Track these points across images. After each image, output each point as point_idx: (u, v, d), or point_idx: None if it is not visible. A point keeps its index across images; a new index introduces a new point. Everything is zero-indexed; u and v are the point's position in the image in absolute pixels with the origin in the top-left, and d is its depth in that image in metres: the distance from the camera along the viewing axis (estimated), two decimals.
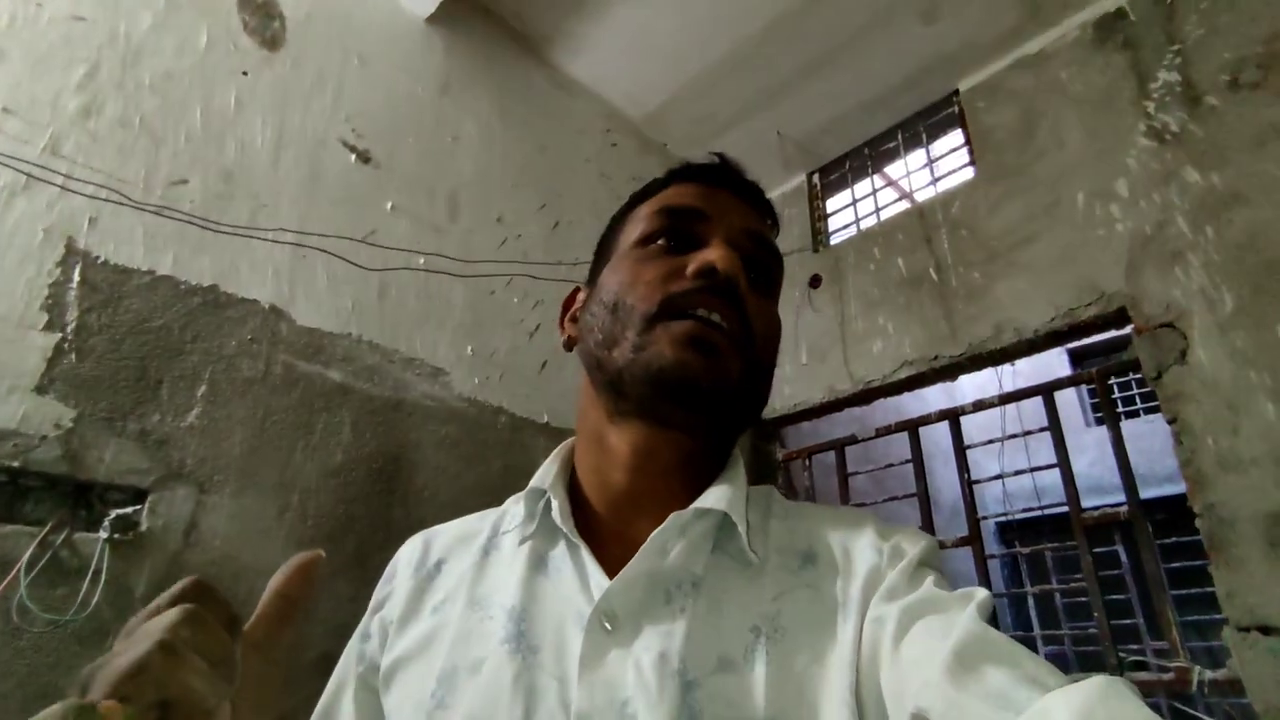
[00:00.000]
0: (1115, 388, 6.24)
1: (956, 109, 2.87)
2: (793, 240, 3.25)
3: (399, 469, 1.82)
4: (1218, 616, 1.79)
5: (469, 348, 2.10)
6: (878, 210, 3.08)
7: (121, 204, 1.53)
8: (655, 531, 0.50)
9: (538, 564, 0.55)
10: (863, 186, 3.22)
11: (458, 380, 2.03)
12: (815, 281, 3.06)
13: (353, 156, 2.00)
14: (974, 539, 2.37)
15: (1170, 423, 1.97)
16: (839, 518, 0.55)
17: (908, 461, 2.58)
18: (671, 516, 0.51)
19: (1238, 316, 1.91)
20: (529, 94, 2.64)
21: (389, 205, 2.04)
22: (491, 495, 1.97)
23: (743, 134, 3.17)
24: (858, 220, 3.14)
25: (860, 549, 0.51)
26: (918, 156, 3.03)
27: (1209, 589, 1.82)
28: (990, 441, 2.49)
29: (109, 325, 1.46)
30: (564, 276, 2.46)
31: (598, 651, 0.47)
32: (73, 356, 1.40)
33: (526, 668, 0.48)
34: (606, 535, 0.55)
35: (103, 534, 1.34)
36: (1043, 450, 3.92)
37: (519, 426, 2.14)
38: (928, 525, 2.47)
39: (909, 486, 2.88)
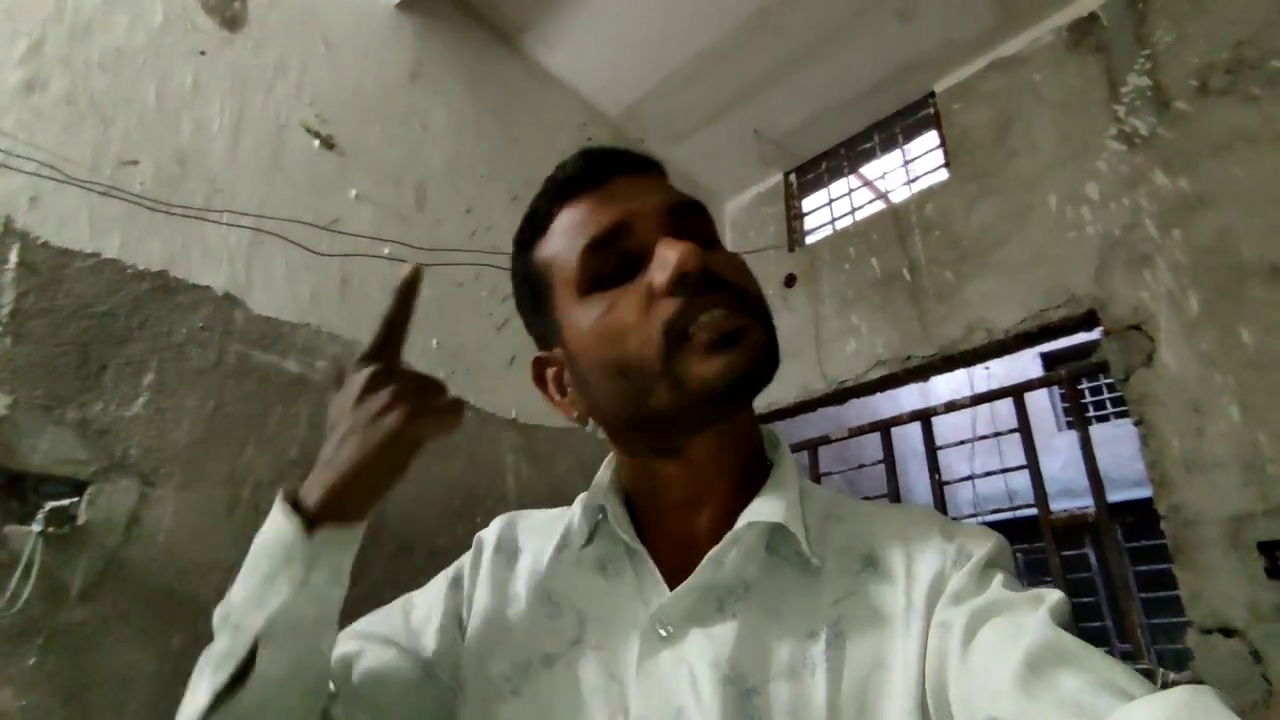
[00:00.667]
0: (1086, 391, 6.33)
1: (932, 110, 2.87)
2: (769, 238, 3.24)
3: None
4: (1184, 620, 1.79)
5: (435, 341, 2.05)
6: (853, 210, 3.08)
7: (66, 183, 1.47)
8: (711, 551, 0.50)
9: (600, 568, 0.56)
10: (839, 186, 3.21)
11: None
12: (790, 281, 3.04)
13: (316, 142, 1.95)
14: None
15: (1137, 424, 1.98)
16: (902, 517, 0.53)
17: (880, 462, 2.57)
18: (726, 537, 0.50)
19: (1204, 319, 1.92)
20: (502, 85, 2.60)
21: (353, 193, 1.99)
22: (457, 492, 1.94)
23: (720, 131, 3.15)
24: (834, 220, 3.13)
25: (924, 551, 0.49)
26: (894, 157, 3.03)
27: (1177, 592, 1.82)
28: (961, 443, 2.49)
29: (49, 309, 1.40)
30: None
31: (653, 657, 0.48)
32: (8, 341, 1.33)
33: (589, 669, 0.50)
34: (665, 539, 0.55)
35: (36, 527, 1.28)
36: (1015, 452, 3.95)
37: (486, 422, 2.09)
38: None
39: (882, 487, 2.88)
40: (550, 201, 0.57)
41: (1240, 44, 2.06)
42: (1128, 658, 2.18)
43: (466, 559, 0.64)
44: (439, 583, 0.63)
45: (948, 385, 5.14)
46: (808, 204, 3.30)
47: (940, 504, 2.40)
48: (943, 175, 2.74)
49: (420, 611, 0.61)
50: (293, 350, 1.73)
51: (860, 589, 0.49)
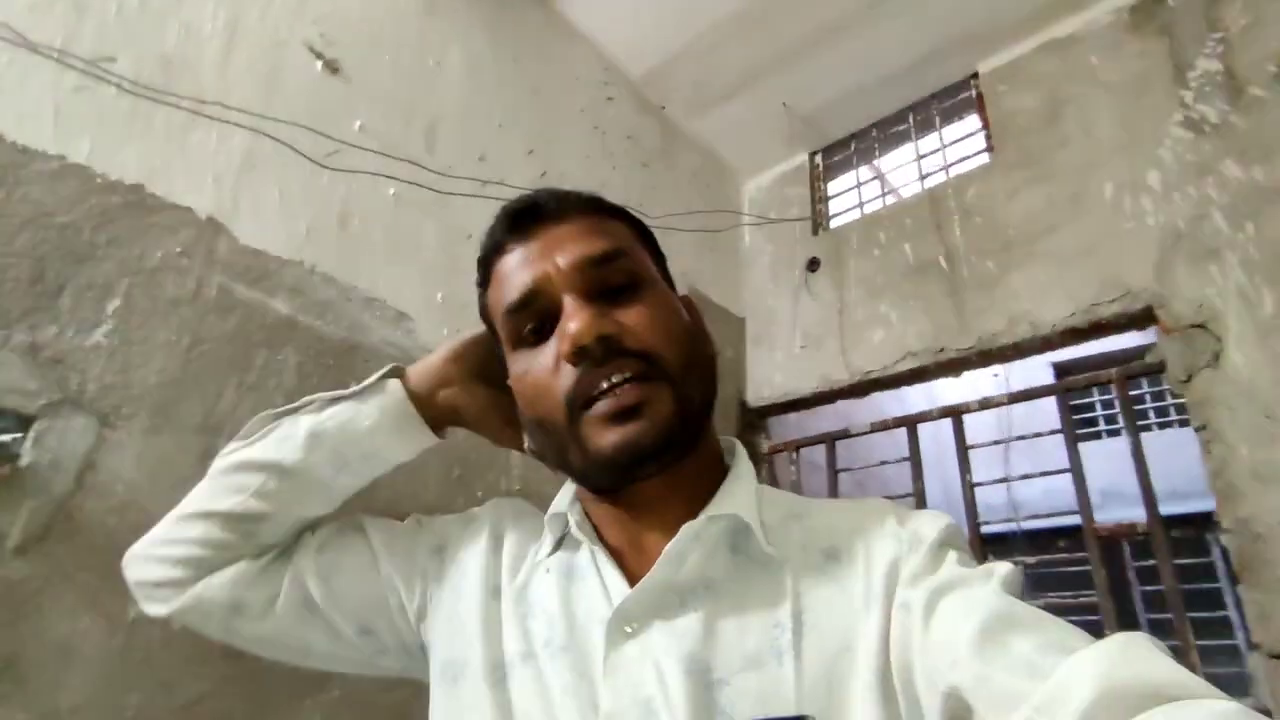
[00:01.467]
0: (1098, 404, 6.10)
1: (974, 92, 2.72)
2: (792, 222, 3.07)
3: None
4: (1228, 642, 1.64)
5: (439, 294, 1.86)
6: (884, 194, 2.92)
7: (28, 68, 1.26)
8: (669, 544, 0.51)
9: (568, 571, 0.57)
10: (867, 170, 3.05)
11: (423, 329, 1.79)
12: (813, 265, 2.88)
13: (319, 64, 1.75)
14: (974, 547, 2.21)
15: (1199, 430, 1.83)
16: (859, 511, 0.55)
17: (905, 459, 2.41)
18: (684, 528, 0.51)
19: (1277, 321, 1.77)
20: (522, 31, 2.41)
21: (357, 124, 1.79)
22: (454, 461, 1.74)
23: (745, 104, 2.97)
24: (861, 204, 2.97)
25: (881, 539, 0.51)
26: (929, 141, 2.88)
27: (1215, 612, 1.67)
28: (997, 442, 2.34)
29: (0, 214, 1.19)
30: None
31: (619, 653, 0.49)
32: None
33: (558, 670, 0.51)
34: (625, 543, 0.56)
35: None
36: (1023, 460, 3.82)
37: None
38: None
39: (892, 488, 2.72)
40: (488, 254, 0.59)
41: None
42: None
43: (456, 519, 0.67)
44: (443, 526, 0.67)
45: (945, 385, 5.00)
46: (833, 187, 3.13)
47: (970, 507, 2.24)
48: (982, 160, 2.59)
49: (423, 543, 0.65)
50: (282, 289, 1.53)
51: (822, 579, 0.50)
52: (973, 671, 0.39)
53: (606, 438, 0.49)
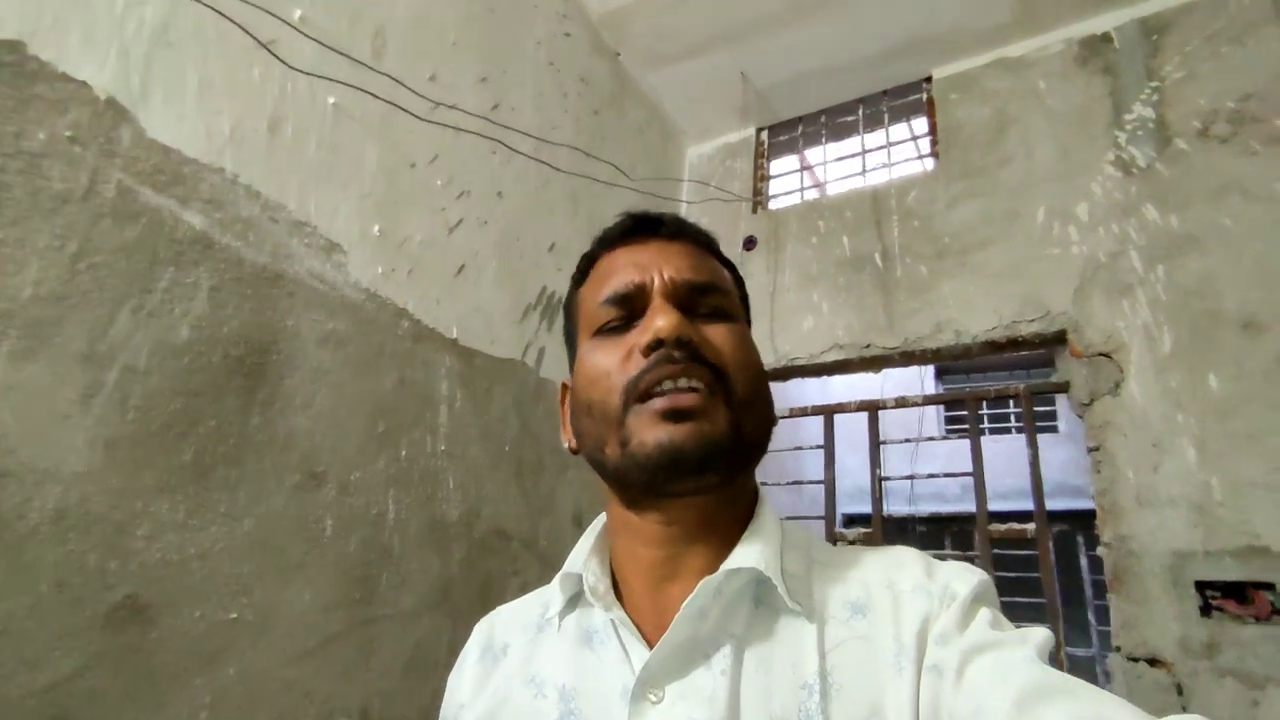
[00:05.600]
0: (986, 416, 6.86)
1: (926, 96, 2.76)
2: (733, 194, 3.02)
3: (267, 362, 1.36)
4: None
5: (376, 227, 1.65)
6: (823, 184, 2.93)
7: None
8: (688, 599, 0.49)
9: (584, 639, 0.55)
10: (813, 155, 3.05)
11: (356, 263, 1.58)
12: (750, 243, 2.86)
13: None
14: (875, 535, 2.32)
15: (1093, 450, 1.99)
16: (885, 560, 0.54)
17: (819, 447, 2.48)
18: (703, 583, 0.49)
19: (1175, 358, 1.95)
20: None
21: (298, 13, 1.52)
22: (379, 414, 1.57)
23: (703, 67, 2.87)
24: (802, 188, 2.97)
25: (910, 593, 0.50)
26: (875, 137, 2.91)
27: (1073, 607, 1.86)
28: (907, 440, 2.45)
29: None
30: (498, 168, 2.05)
31: None
32: None
33: None
34: (645, 605, 0.54)
35: None
36: (901, 459, 4.09)
37: (422, 336, 1.73)
38: (832, 515, 2.39)
39: (791, 473, 2.81)
40: (597, 248, 0.60)
41: (1248, 96, 2.09)
42: None
43: (450, 683, 0.63)
44: (446, 701, 0.62)
45: (844, 382, 5.25)
46: (775, 167, 3.11)
47: (877, 499, 2.34)
48: (923, 164, 2.65)
49: None
50: (197, 198, 1.29)
51: (850, 636, 0.49)
52: None
53: (653, 433, 0.49)
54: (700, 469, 0.49)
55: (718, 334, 0.53)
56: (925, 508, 4.15)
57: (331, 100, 1.58)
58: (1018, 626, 0.48)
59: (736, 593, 0.51)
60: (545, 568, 2.00)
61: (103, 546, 1.09)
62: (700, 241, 0.60)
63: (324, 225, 1.52)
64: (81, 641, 1.06)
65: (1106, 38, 2.40)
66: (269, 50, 1.44)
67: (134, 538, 1.13)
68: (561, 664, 0.54)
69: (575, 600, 0.57)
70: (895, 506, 4.47)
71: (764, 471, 2.50)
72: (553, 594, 0.59)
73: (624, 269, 0.56)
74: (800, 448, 2.66)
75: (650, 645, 0.51)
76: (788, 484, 2.69)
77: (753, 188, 3.02)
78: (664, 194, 2.91)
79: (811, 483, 2.52)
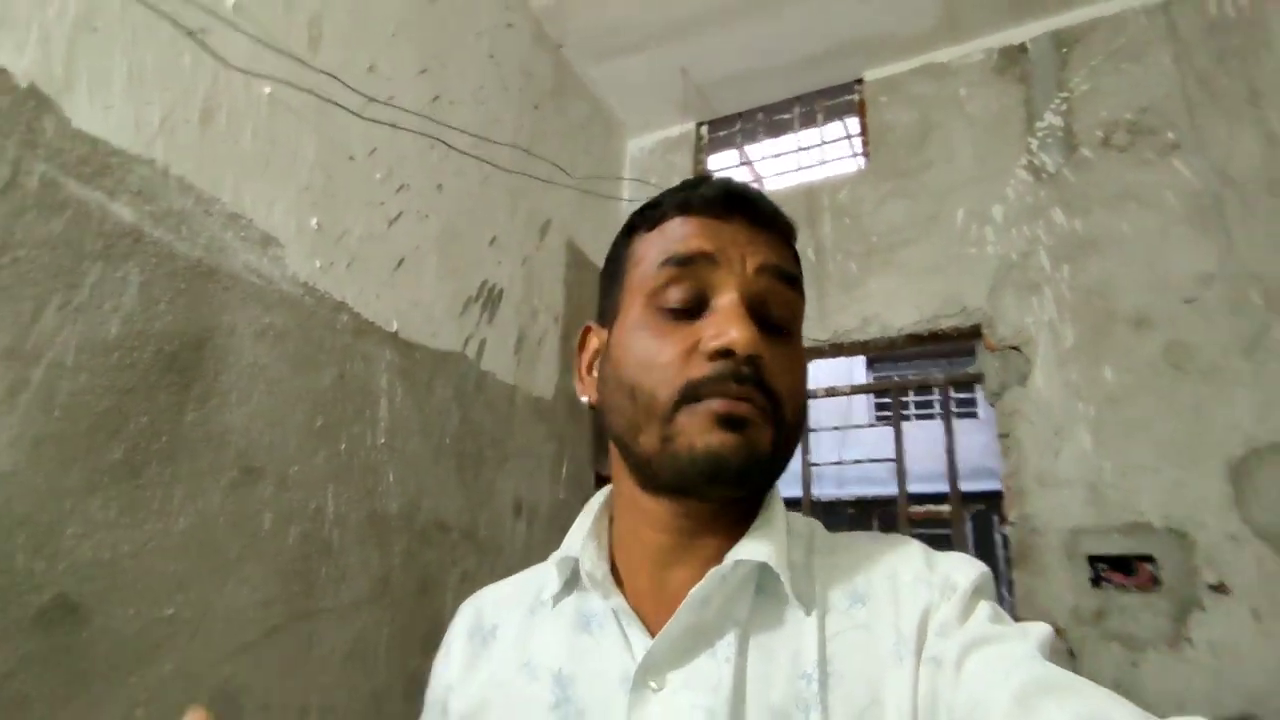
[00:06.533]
0: (912, 404, 7.18)
1: (858, 97, 2.88)
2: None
3: (201, 359, 1.35)
4: None
5: (314, 220, 1.63)
6: (759, 179, 3.02)
7: None
8: (694, 588, 0.49)
9: (581, 624, 0.54)
10: (751, 151, 3.14)
11: (294, 257, 1.57)
12: None
13: None
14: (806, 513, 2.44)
15: (1002, 436, 2.14)
16: (885, 549, 0.54)
17: None
18: (711, 573, 0.49)
19: (1075, 352, 2.11)
20: None
21: (230, 1, 1.49)
22: (318, 409, 1.57)
23: (645, 62, 2.91)
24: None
25: (910, 582, 0.50)
26: (810, 135, 3.01)
27: None
28: (837, 428, 2.56)
29: None
30: (438, 161, 2.05)
31: (645, 711, 0.47)
32: None
33: None
34: (647, 591, 0.53)
35: None
36: (833, 445, 4.25)
37: (362, 331, 1.73)
38: None
39: None
40: (673, 205, 0.55)
41: (1144, 109, 2.26)
42: None
43: (435, 666, 0.62)
44: (434, 683, 0.62)
45: None
46: (713, 162, 3.19)
47: (806, 484, 2.46)
48: (859, 164, 2.77)
49: None
50: (126, 190, 1.26)
51: (850, 626, 0.49)
52: None
53: (704, 439, 0.48)
54: (739, 482, 0.49)
55: (783, 358, 0.52)
56: (855, 490, 4.34)
57: (267, 90, 1.55)
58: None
59: (740, 580, 0.51)
60: (485, 558, 2.03)
61: (29, 547, 1.08)
62: (787, 235, 0.57)
63: (260, 218, 1.51)
64: (9, 644, 1.05)
65: (1023, 49, 2.55)
66: (200, 39, 1.41)
67: (63, 537, 1.11)
68: (556, 649, 0.53)
69: (571, 583, 0.57)
70: (828, 490, 4.65)
71: None
72: (547, 576, 0.58)
73: (699, 236, 0.52)
74: None
75: (651, 632, 0.51)
76: None
77: None
78: (604, 192, 2.94)
79: None
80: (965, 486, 3.96)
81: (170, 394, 1.29)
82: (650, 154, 3.23)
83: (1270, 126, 2.06)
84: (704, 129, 3.19)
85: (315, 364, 1.59)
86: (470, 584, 1.93)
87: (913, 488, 2.60)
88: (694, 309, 0.51)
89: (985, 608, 0.47)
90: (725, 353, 0.48)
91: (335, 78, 1.72)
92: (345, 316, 1.69)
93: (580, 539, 0.55)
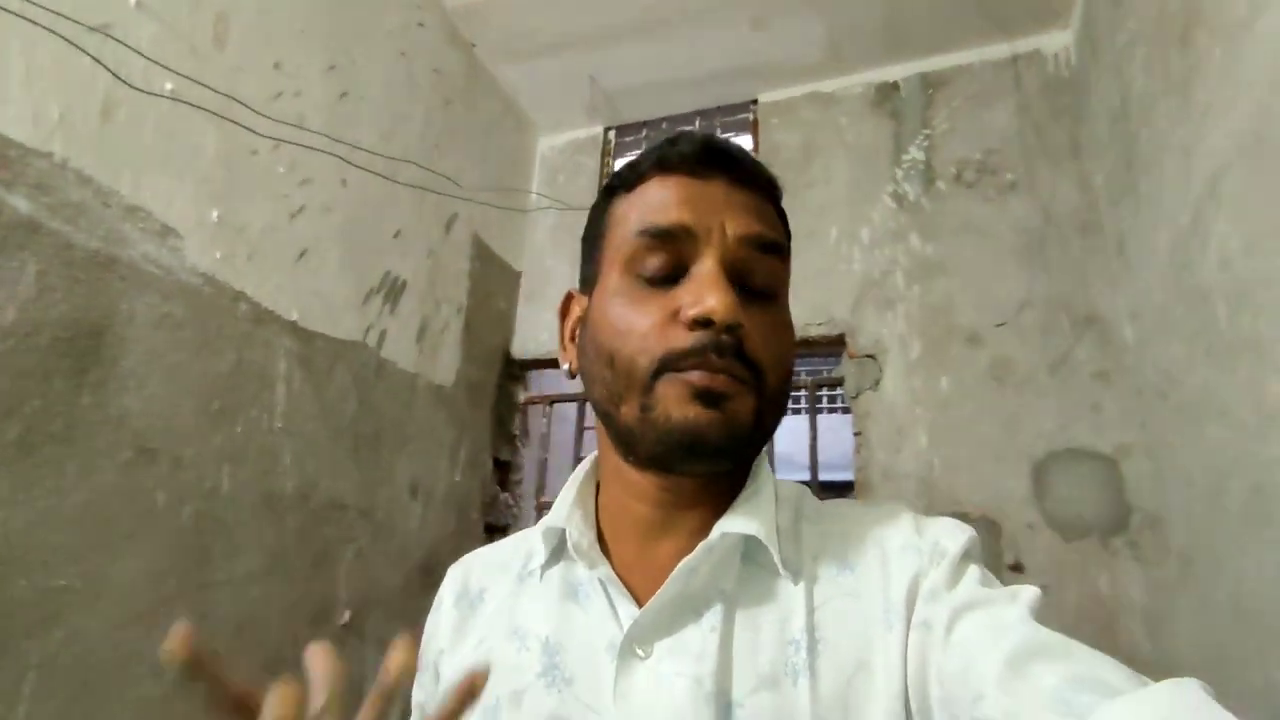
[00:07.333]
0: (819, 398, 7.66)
1: (753, 116, 3.10)
2: (578, 189, 3.23)
3: (99, 345, 1.42)
4: None
5: (215, 212, 1.70)
6: None
7: None
8: (681, 562, 0.49)
9: (568, 593, 0.54)
10: None
11: (193, 248, 1.64)
12: None
13: None
14: None
15: (856, 434, 2.42)
16: (873, 516, 0.54)
17: None
18: (700, 546, 0.49)
19: (919, 363, 2.41)
20: None
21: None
22: (216, 395, 1.66)
23: (556, 66, 3.03)
24: None
25: (899, 549, 0.50)
26: None
27: None
28: None
29: None
30: (343, 157, 2.12)
31: (631, 679, 0.47)
32: None
33: (562, 701, 0.48)
34: (634, 560, 0.54)
35: None
36: None
37: (262, 320, 1.81)
38: None
39: None
40: (650, 165, 0.55)
41: (990, 151, 2.58)
42: None
43: (426, 630, 0.62)
44: (424, 647, 0.62)
45: None
46: (620, 166, 3.35)
47: None
48: None
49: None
50: (23, 183, 1.31)
51: (838, 593, 0.49)
52: (1000, 707, 0.37)
53: (681, 410, 0.47)
54: (717, 455, 0.49)
55: (765, 325, 0.51)
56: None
57: (169, 86, 1.61)
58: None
59: (727, 550, 0.51)
60: (380, 536, 2.15)
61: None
62: (770, 193, 0.56)
63: (160, 210, 1.57)
64: None
65: (896, 86, 2.84)
66: (102, 36, 1.46)
67: None
68: (544, 617, 0.53)
69: (559, 552, 0.57)
70: None
71: (593, 446, 2.77)
72: (535, 545, 0.58)
73: (677, 205, 0.52)
74: None
75: (638, 601, 0.51)
76: None
77: (598, 183, 3.24)
78: (509, 204, 3.06)
79: None
80: (839, 476, 4.36)
81: (66, 378, 1.35)
82: (560, 153, 3.37)
83: (1086, 177, 2.40)
84: (612, 134, 3.35)
85: (213, 351, 1.67)
86: (364, 560, 2.05)
87: (793, 476, 2.85)
88: (673, 275, 0.51)
89: (974, 572, 0.47)
90: (705, 322, 0.48)
91: (239, 73, 1.78)
92: (244, 305, 1.76)
93: (566, 508, 0.56)
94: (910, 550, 0.49)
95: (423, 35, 2.58)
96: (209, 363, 1.66)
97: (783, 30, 2.76)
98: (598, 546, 0.54)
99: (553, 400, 2.98)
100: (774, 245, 0.54)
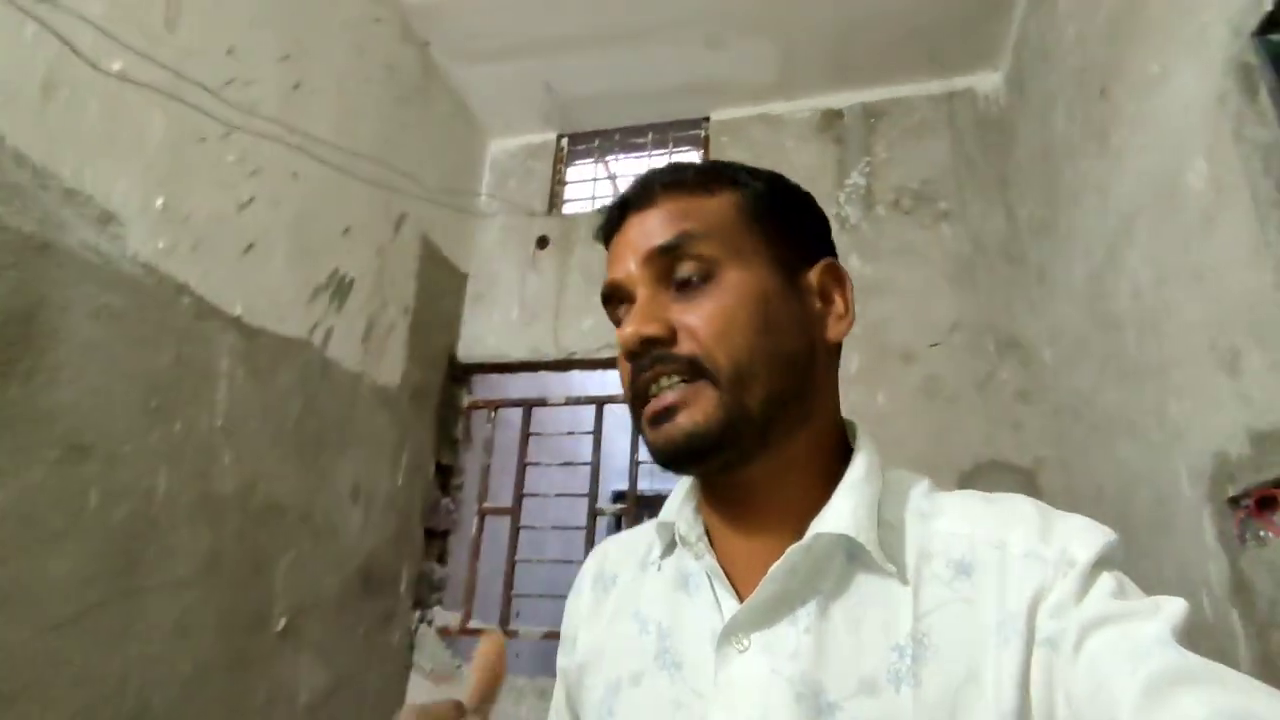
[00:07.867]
0: None
1: (704, 133, 3.18)
2: (529, 194, 3.24)
3: (31, 334, 1.34)
4: None
5: (159, 200, 1.63)
6: (616, 194, 3.24)
7: None
8: (775, 564, 0.48)
9: (680, 582, 0.57)
10: (606, 168, 3.35)
11: (135, 237, 1.57)
12: (543, 243, 3.09)
13: None
14: (630, 510, 2.70)
15: None
16: (997, 514, 0.50)
17: (589, 432, 2.80)
18: (791, 549, 0.48)
19: (859, 379, 2.52)
20: None
21: None
22: (155, 392, 1.59)
23: (511, 71, 3.03)
24: (595, 197, 3.27)
25: (1021, 556, 0.46)
26: (660, 161, 3.28)
27: None
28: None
29: None
30: (294, 148, 2.07)
31: (729, 670, 0.49)
32: None
33: (672, 683, 0.51)
34: (736, 553, 0.55)
35: None
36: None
37: (204, 314, 1.74)
38: (595, 494, 2.72)
39: (568, 454, 3.13)
40: (601, 240, 0.62)
41: (926, 181, 2.73)
42: None
43: (567, 609, 0.67)
44: (561, 645, 0.67)
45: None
46: (572, 174, 3.37)
47: (633, 478, 2.72)
48: None
49: (558, 695, 0.66)
50: None
51: (951, 599, 0.46)
52: None
53: (650, 436, 0.52)
54: (697, 459, 0.50)
55: (694, 311, 0.52)
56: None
57: (116, 67, 1.54)
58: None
59: (825, 550, 0.49)
60: (320, 540, 2.09)
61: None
62: (682, 190, 0.56)
63: (101, 195, 1.50)
64: None
65: (840, 114, 2.97)
66: (46, 10, 1.39)
67: None
68: (660, 603, 0.56)
69: (673, 544, 0.59)
70: (659, 485, 4.98)
71: (539, 452, 2.77)
72: (654, 536, 0.61)
73: (611, 264, 0.57)
74: (572, 433, 2.97)
75: (739, 594, 0.52)
76: (561, 464, 2.98)
77: (550, 190, 3.25)
78: (459, 206, 3.04)
79: (580, 464, 2.84)
80: None
81: None
82: (512, 157, 3.36)
83: (1012, 208, 2.58)
84: (565, 140, 3.36)
85: (153, 345, 1.60)
86: (302, 566, 1.99)
87: None
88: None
89: (1107, 581, 0.43)
90: (626, 353, 0.53)
91: (190, 57, 1.72)
92: (187, 299, 1.70)
93: (677, 503, 0.59)
94: (1034, 559, 0.45)
95: (378, 31, 2.54)
96: (148, 357, 1.58)
97: (737, 51, 2.85)
98: (705, 539, 0.56)
99: (497, 405, 2.96)
100: (667, 246, 0.53)
